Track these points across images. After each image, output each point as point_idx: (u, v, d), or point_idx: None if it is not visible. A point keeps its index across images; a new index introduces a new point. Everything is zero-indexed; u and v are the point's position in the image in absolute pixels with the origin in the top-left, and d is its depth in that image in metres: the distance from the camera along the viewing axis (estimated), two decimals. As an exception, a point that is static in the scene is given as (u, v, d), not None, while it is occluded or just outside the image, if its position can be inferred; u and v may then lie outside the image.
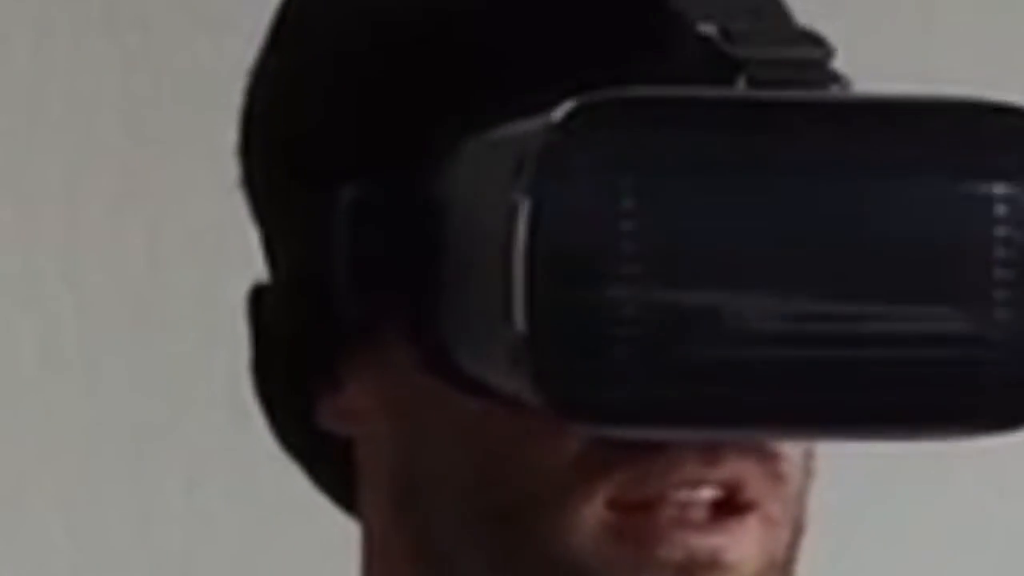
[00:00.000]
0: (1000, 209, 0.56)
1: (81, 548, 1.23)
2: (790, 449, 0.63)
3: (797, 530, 0.65)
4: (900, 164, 0.56)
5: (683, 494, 0.60)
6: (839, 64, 0.61)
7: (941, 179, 0.57)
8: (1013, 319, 0.56)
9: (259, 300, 0.68)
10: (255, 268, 0.67)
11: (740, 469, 0.61)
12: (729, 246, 0.55)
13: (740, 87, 0.57)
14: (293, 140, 0.65)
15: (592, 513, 0.60)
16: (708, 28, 0.58)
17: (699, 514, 0.60)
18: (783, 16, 0.64)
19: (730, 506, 0.61)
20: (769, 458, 0.62)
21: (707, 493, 0.61)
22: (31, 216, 1.11)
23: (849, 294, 0.56)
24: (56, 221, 1.10)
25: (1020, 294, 0.56)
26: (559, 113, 0.54)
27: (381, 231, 0.61)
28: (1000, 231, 0.56)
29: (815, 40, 0.60)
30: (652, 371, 0.55)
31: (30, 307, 1.17)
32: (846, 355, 0.56)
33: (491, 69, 0.62)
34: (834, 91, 0.59)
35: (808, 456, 0.65)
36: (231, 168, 0.67)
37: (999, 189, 0.56)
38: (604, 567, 0.61)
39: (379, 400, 0.66)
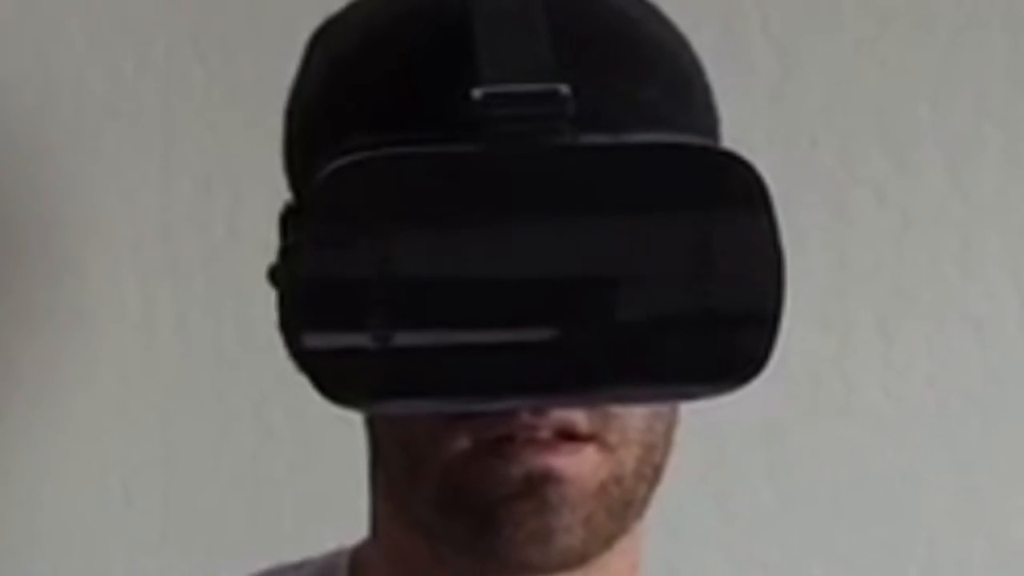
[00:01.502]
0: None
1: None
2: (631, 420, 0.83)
3: (647, 447, 0.83)
4: (590, 202, 0.78)
5: (524, 433, 0.79)
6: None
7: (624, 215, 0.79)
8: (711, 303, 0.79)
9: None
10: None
11: (566, 416, 0.79)
12: (446, 269, 0.77)
13: (476, 143, 0.76)
14: (283, 147, 0.87)
15: (458, 445, 0.79)
16: (477, 93, 0.76)
17: (546, 439, 0.79)
18: (572, 40, 0.81)
19: (570, 436, 0.80)
20: (598, 411, 0.82)
21: (544, 433, 0.79)
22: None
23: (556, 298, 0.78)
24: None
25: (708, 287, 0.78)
26: (323, 174, 0.78)
27: (286, 240, 0.84)
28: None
29: (577, 69, 0.78)
30: (394, 367, 0.77)
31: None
32: (561, 336, 0.78)
33: (327, 122, 0.83)
34: (567, 139, 0.78)
35: (653, 424, 0.85)
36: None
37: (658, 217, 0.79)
38: (469, 481, 0.80)
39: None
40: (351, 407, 0.82)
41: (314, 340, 0.79)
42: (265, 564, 1.06)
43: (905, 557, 1.25)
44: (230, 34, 1.24)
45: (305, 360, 0.79)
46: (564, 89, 0.77)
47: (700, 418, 0.91)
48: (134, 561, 1.22)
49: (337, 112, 0.85)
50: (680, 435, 0.90)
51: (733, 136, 0.86)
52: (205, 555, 1.21)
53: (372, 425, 0.90)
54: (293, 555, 1.03)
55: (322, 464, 1.23)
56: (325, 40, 0.90)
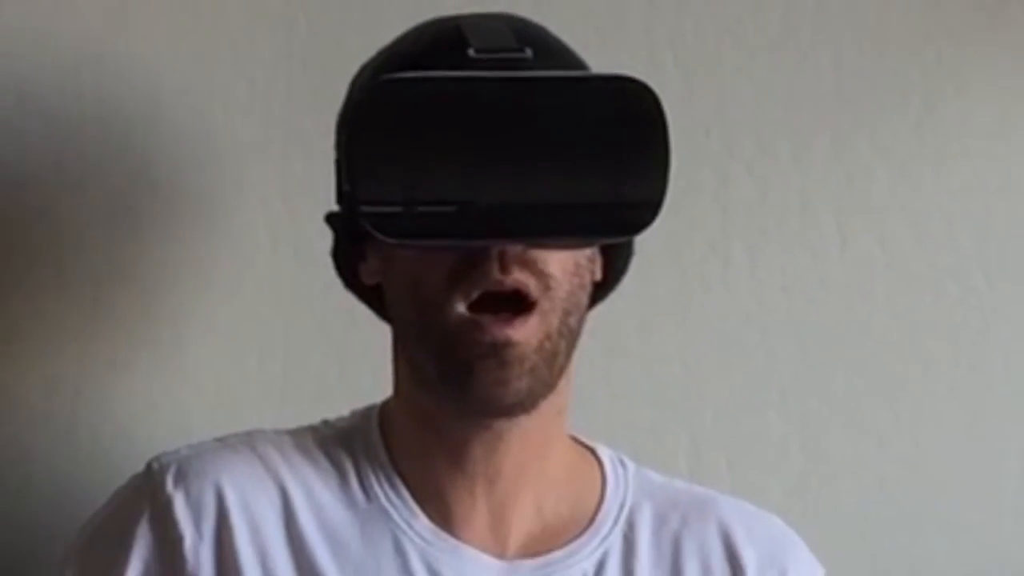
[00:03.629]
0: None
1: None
2: (554, 269, 1.29)
3: (565, 313, 1.30)
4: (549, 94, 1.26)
5: (496, 288, 1.25)
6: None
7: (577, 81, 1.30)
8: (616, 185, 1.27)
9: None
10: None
11: (523, 278, 1.25)
12: (449, 162, 1.24)
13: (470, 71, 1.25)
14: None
15: (455, 309, 1.25)
16: (473, 51, 1.26)
17: (506, 317, 1.25)
18: (528, 36, 1.32)
19: (520, 309, 1.25)
20: (540, 275, 1.27)
21: (506, 288, 1.25)
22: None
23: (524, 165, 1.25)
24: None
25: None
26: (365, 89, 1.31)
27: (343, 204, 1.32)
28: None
29: (530, 46, 1.29)
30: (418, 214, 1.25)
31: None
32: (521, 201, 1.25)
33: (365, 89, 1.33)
34: (528, 73, 1.27)
35: (575, 274, 1.32)
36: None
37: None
38: (462, 335, 1.25)
39: (378, 263, 1.35)
40: (393, 242, 1.28)
41: (368, 208, 1.26)
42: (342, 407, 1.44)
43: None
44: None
45: (366, 221, 1.26)
46: (526, 52, 1.28)
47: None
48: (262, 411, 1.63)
49: (375, 80, 1.31)
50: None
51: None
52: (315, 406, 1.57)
53: (397, 310, 1.35)
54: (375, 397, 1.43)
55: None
56: (366, 63, 1.39)
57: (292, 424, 1.45)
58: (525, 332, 1.29)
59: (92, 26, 1.66)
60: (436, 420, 1.36)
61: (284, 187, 1.66)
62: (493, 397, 1.31)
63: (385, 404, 1.42)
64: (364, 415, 1.44)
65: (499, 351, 1.29)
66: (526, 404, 1.34)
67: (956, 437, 1.77)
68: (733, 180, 1.74)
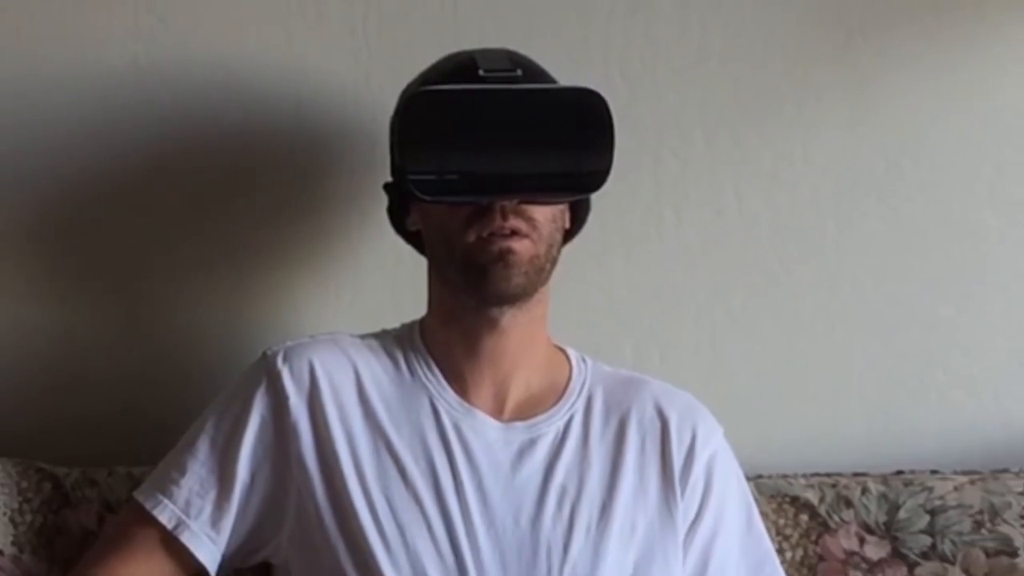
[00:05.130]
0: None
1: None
2: (538, 216, 1.66)
3: (548, 246, 1.68)
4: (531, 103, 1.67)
5: (498, 228, 1.65)
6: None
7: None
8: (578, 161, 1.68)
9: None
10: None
11: (516, 223, 1.64)
12: (467, 144, 1.65)
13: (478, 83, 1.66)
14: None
15: (470, 237, 1.65)
16: (482, 71, 1.67)
17: (506, 235, 1.64)
18: (519, 62, 1.70)
19: (516, 233, 1.65)
20: (528, 220, 1.65)
21: (506, 229, 1.64)
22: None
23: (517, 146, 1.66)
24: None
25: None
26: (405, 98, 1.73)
27: (395, 175, 1.74)
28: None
29: (520, 68, 1.69)
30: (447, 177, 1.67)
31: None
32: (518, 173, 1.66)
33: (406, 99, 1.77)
34: (519, 86, 1.66)
35: (552, 221, 1.68)
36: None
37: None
38: (478, 250, 1.64)
39: (418, 216, 1.74)
40: (428, 199, 1.62)
41: (412, 177, 1.63)
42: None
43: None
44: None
45: (411, 186, 1.62)
46: (518, 72, 1.64)
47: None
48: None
49: (417, 91, 1.67)
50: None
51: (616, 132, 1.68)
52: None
53: (432, 244, 1.70)
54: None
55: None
56: (411, 82, 1.77)
57: (361, 332, 1.82)
58: (520, 248, 1.66)
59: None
60: (458, 319, 1.71)
61: (367, 171, 1.96)
62: (500, 289, 1.67)
63: (422, 318, 1.78)
64: (409, 325, 1.79)
65: (504, 257, 1.66)
66: (520, 296, 1.68)
67: (817, 337, 2.09)
68: (662, 161, 2.06)
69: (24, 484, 1.92)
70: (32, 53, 1.96)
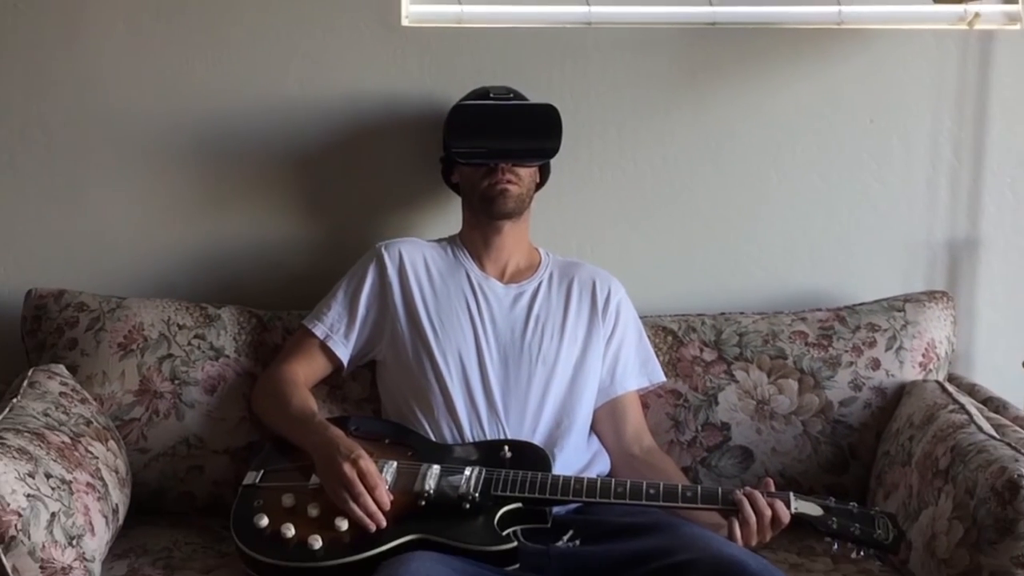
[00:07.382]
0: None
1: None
2: (523, 174, 3.05)
3: (528, 189, 3.08)
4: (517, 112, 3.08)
5: (501, 180, 3.02)
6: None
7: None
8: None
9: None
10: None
11: (510, 176, 3.02)
12: (487, 134, 3.04)
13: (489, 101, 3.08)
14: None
15: (485, 183, 3.03)
16: (491, 96, 3.08)
17: (504, 182, 3.00)
18: (511, 91, 3.15)
19: (510, 183, 3.01)
20: (517, 176, 3.03)
21: (504, 182, 3.00)
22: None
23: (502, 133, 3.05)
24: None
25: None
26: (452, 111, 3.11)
27: (446, 152, 3.16)
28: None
29: (512, 94, 3.12)
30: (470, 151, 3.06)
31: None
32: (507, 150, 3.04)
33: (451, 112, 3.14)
34: (511, 102, 3.08)
35: (531, 176, 3.09)
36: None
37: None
38: (489, 187, 3.03)
39: (457, 173, 3.21)
40: (463, 162, 2.96)
41: (455, 150, 2.98)
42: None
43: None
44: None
45: (455, 156, 2.99)
46: (511, 95, 3.03)
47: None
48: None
49: (458, 106, 3.06)
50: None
51: (566, 125, 3.06)
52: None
53: (465, 189, 3.04)
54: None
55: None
56: (456, 103, 3.13)
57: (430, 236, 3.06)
58: (512, 189, 2.85)
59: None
60: (478, 226, 2.92)
61: (433, 147, 3.11)
62: (503, 209, 2.86)
63: (460, 231, 3.04)
64: (453, 235, 3.04)
65: (503, 193, 2.84)
66: (512, 214, 2.91)
67: (680, 239, 3.21)
68: (591, 142, 3.22)
69: (242, 319, 3.22)
70: (239, 86, 3.31)
